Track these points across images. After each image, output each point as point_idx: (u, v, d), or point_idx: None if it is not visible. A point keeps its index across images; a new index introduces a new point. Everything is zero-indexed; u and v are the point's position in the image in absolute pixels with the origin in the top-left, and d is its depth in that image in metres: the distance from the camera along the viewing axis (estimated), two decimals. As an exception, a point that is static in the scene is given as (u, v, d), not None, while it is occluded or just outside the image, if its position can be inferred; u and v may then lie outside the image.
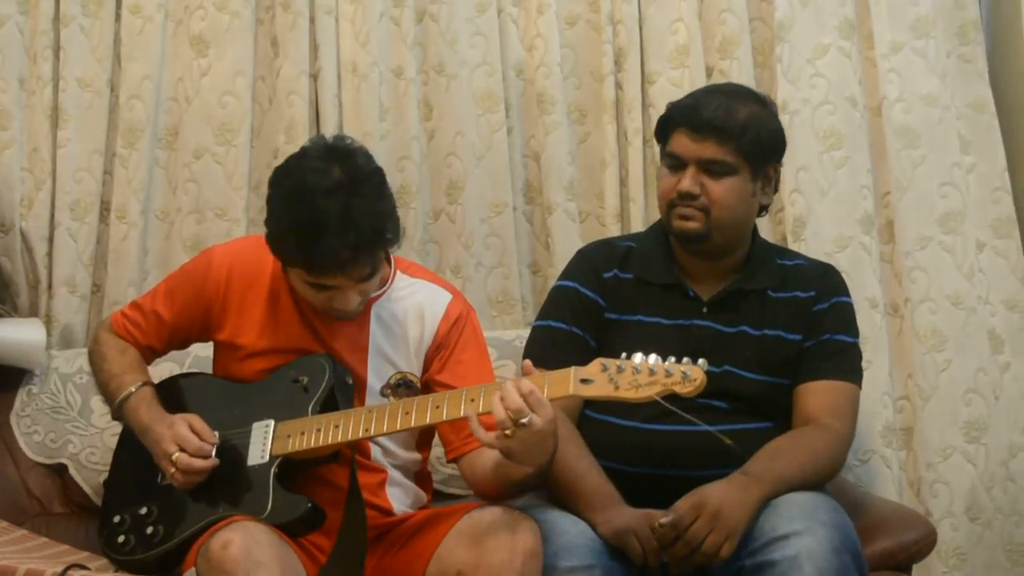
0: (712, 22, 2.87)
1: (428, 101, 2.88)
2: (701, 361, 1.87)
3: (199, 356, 2.53)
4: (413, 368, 2.21)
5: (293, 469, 2.10)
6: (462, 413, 1.96)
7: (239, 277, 2.22)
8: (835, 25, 2.85)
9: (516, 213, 2.88)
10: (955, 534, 2.71)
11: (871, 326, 2.73)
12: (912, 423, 2.77)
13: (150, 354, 2.31)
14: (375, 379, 2.19)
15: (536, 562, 1.97)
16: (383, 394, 2.19)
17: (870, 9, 2.85)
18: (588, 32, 2.90)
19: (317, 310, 2.16)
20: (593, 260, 2.39)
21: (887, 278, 2.83)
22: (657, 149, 2.38)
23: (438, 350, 2.21)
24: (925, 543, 2.27)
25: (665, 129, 2.30)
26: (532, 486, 2.08)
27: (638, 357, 1.88)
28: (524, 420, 1.86)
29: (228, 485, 2.09)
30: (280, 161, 2.14)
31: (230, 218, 2.79)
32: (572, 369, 1.92)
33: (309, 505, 2.04)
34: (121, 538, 2.15)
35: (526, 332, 2.44)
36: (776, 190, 2.36)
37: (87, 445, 2.55)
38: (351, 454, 2.11)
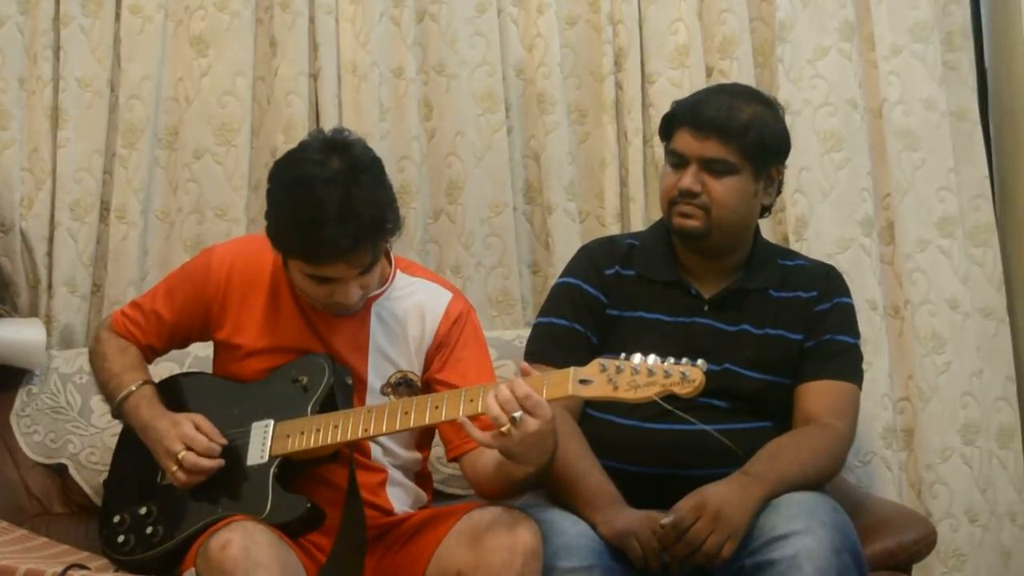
0: (712, 22, 2.87)
1: (428, 101, 2.88)
2: (700, 361, 1.87)
3: (199, 356, 2.53)
4: (414, 367, 2.21)
5: (293, 469, 2.10)
6: (460, 415, 1.96)
7: (239, 276, 2.22)
8: (835, 26, 2.85)
9: (516, 213, 2.88)
10: (955, 535, 2.71)
11: (871, 328, 2.73)
12: (912, 424, 2.77)
13: (151, 353, 2.31)
14: (376, 378, 2.19)
15: (536, 562, 1.97)
16: (383, 393, 2.19)
17: (870, 11, 2.85)
18: (588, 32, 2.90)
19: (317, 309, 2.16)
20: (595, 257, 2.39)
21: (887, 280, 2.83)
22: (657, 149, 2.39)
23: (439, 349, 2.21)
24: (925, 543, 2.28)
25: (669, 127, 2.30)
26: (533, 485, 2.07)
27: (637, 357, 1.88)
28: (516, 415, 1.86)
29: (228, 485, 2.09)
30: (279, 160, 2.14)
31: (230, 218, 2.79)
32: (571, 370, 1.92)
33: (309, 505, 2.04)
34: (121, 538, 2.15)
35: (526, 332, 2.44)
36: (779, 191, 2.36)
37: (87, 445, 2.55)
38: (351, 454, 2.11)
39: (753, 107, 2.25)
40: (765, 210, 2.34)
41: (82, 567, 2.05)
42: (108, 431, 2.52)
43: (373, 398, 2.18)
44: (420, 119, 2.86)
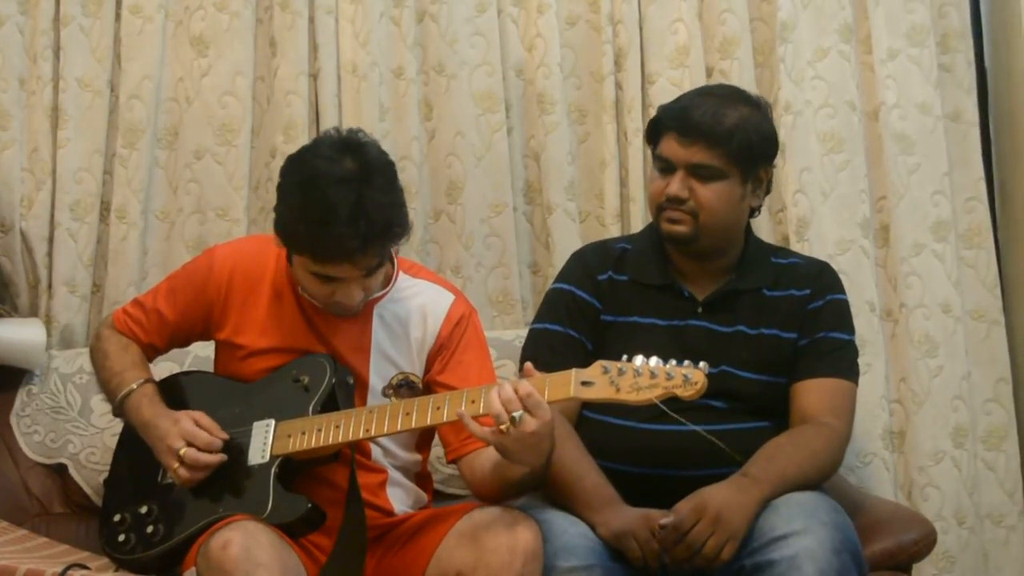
0: (712, 22, 2.87)
1: (428, 101, 2.88)
2: (702, 364, 1.87)
3: (199, 356, 2.53)
4: (415, 368, 2.22)
5: (293, 469, 2.11)
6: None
7: (241, 277, 2.22)
8: (835, 28, 2.85)
9: (516, 213, 2.88)
10: (944, 537, 2.71)
11: (869, 329, 2.73)
12: (905, 427, 2.78)
13: (152, 352, 2.31)
14: (377, 379, 2.19)
15: (536, 562, 1.97)
16: (385, 394, 2.19)
17: (868, 14, 2.85)
18: (588, 32, 2.90)
19: (319, 310, 2.16)
20: (588, 262, 2.39)
21: (882, 282, 2.84)
22: (658, 149, 2.38)
23: (440, 351, 2.21)
24: (925, 543, 2.27)
25: (655, 132, 2.30)
26: (530, 487, 2.08)
27: (639, 360, 1.88)
28: (517, 414, 1.86)
29: (228, 484, 2.10)
30: (278, 161, 2.14)
31: (231, 218, 2.79)
32: (573, 371, 1.92)
33: (309, 505, 2.05)
34: (121, 537, 2.15)
35: (526, 332, 2.44)
36: (768, 191, 2.36)
37: (87, 445, 2.55)
38: (351, 454, 2.11)
39: (739, 110, 2.25)
40: (754, 211, 2.34)
41: (82, 567, 2.05)
42: (108, 431, 2.52)
43: (374, 399, 2.18)
44: (420, 119, 2.86)
